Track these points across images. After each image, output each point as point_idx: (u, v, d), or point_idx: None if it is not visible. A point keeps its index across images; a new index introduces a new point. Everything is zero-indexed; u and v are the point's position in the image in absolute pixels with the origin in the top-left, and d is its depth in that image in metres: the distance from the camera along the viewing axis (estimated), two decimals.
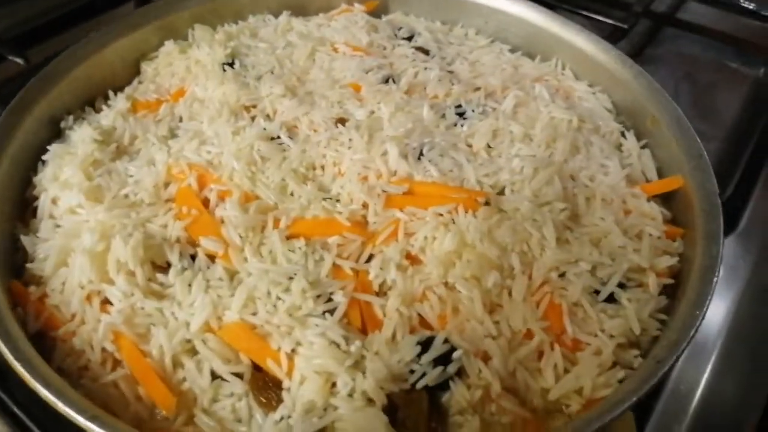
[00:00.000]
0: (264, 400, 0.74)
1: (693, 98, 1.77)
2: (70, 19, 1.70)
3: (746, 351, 1.21)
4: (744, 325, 1.25)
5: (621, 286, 0.84)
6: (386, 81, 1.11)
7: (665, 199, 0.98)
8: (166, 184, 0.95)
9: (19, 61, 1.44)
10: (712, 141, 1.66)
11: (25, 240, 0.89)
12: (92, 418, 0.64)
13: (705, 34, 1.91)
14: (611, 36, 1.58)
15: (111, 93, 1.12)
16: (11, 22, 1.64)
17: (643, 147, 1.04)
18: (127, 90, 1.13)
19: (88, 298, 0.81)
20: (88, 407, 0.66)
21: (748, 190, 1.47)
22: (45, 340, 0.81)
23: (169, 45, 1.19)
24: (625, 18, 1.63)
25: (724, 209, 1.46)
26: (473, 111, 1.06)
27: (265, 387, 0.75)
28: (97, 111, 1.09)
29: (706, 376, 1.15)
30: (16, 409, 0.94)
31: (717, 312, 1.26)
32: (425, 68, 1.15)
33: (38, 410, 1.00)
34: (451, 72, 1.16)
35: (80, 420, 0.64)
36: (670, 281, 0.86)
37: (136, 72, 1.19)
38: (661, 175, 1.01)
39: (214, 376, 0.77)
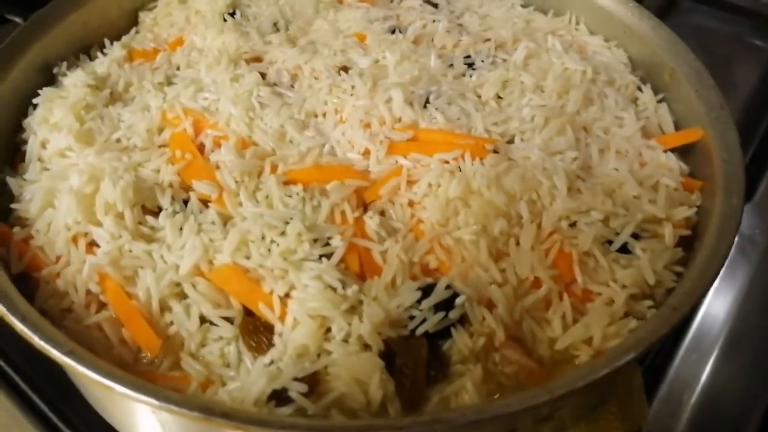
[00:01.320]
0: (254, 344, 0.70)
1: (710, 71, 1.73)
2: None
3: (759, 326, 1.17)
4: (757, 299, 1.21)
5: (635, 236, 0.79)
6: (392, 32, 1.07)
7: (684, 153, 0.93)
8: (160, 130, 0.91)
9: (19, 20, 1.42)
10: (730, 113, 1.62)
11: (11, 182, 0.85)
12: (69, 353, 0.61)
13: (721, 7, 1.87)
14: None
15: (107, 41, 1.08)
16: None
17: (660, 101, 0.99)
18: (124, 39, 1.10)
19: (74, 239, 0.78)
20: (64, 342, 0.62)
21: (764, 161, 1.42)
22: (29, 282, 0.77)
23: None
24: None
25: None
26: (483, 61, 1.01)
27: (256, 331, 0.71)
28: (92, 59, 1.06)
29: (714, 355, 1.11)
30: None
31: (731, 283, 1.22)
32: (433, 20, 1.10)
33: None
34: (460, 25, 1.12)
35: (56, 354, 0.61)
36: (687, 232, 0.81)
37: (134, 22, 1.15)
38: (678, 130, 0.96)
39: (203, 321, 0.73)
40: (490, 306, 0.73)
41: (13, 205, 0.83)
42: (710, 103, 0.91)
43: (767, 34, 1.80)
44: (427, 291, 0.72)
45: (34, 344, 0.63)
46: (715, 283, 1.24)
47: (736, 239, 1.32)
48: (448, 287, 0.72)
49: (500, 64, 1.01)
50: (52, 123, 0.90)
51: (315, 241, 0.76)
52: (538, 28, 1.12)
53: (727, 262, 1.27)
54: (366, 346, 0.68)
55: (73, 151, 0.87)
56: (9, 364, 0.95)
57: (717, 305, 1.19)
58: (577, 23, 1.15)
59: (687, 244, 0.81)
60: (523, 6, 1.19)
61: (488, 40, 1.06)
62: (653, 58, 1.03)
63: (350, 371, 0.66)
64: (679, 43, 1.01)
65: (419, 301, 0.71)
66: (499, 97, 0.96)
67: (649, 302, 0.75)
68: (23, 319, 0.63)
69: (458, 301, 0.71)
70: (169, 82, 1.00)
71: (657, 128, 0.97)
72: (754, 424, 1.08)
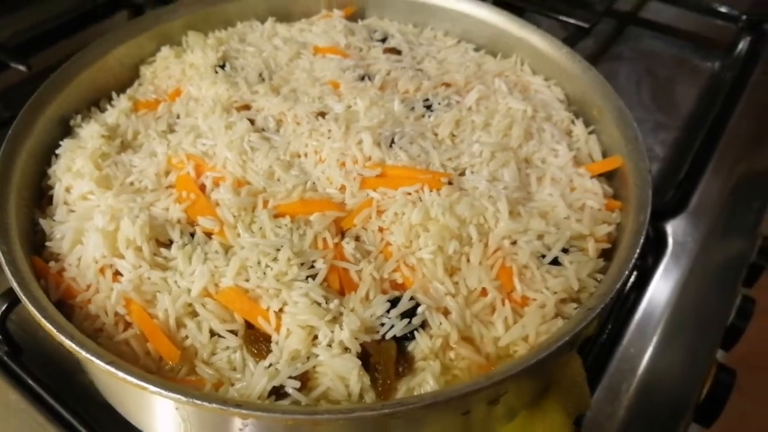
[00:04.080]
0: (256, 351, 0.86)
1: (654, 92, 1.91)
2: (70, 28, 1.83)
3: (692, 323, 1.31)
4: (690, 299, 1.35)
5: (564, 251, 0.96)
6: (362, 78, 1.24)
7: (608, 177, 1.10)
8: (167, 173, 1.07)
9: (22, 68, 1.57)
10: (671, 130, 1.79)
11: (43, 223, 1.00)
12: (110, 363, 0.76)
13: (666, 31, 2.06)
14: (576, 35, 1.72)
15: (114, 94, 1.24)
16: (13, 30, 1.76)
17: (590, 133, 1.17)
18: (129, 91, 1.25)
19: (102, 270, 0.93)
20: (105, 354, 0.78)
21: (698, 174, 1.59)
22: (64, 308, 0.92)
23: (165, 50, 1.31)
24: (588, 18, 1.77)
25: (677, 191, 1.59)
26: (439, 104, 1.18)
27: (257, 341, 0.87)
28: (102, 110, 1.22)
29: (651, 349, 1.25)
30: (30, 381, 1.07)
31: (666, 285, 1.38)
32: (397, 67, 1.28)
33: (51, 382, 1.12)
34: (420, 70, 1.29)
35: (101, 364, 0.76)
36: (608, 245, 0.99)
37: (136, 75, 1.31)
38: (605, 157, 1.14)
39: (213, 333, 0.88)
40: (446, 313, 0.89)
41: (47, 243, 0.98)
42: (628, 137, 1.08)
43: (708, 54, 1.99)
44: (394, 302, 0.88)
45: (80, 357, 0.78)
46: (652, 286, 1.42)
47: (671, 247, 1.50)
48: (411, 299, 0.89)
49: (454, 106, 1.18)
50: (74, 171, 1.05)
51: (302, 264, 0.92)
52: (488, 70, 1.30)
53: (662, 268, 1.45)
54: (346, 349, 0.85)
55: (95, 195, 1.02)
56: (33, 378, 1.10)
57: (653, 305, 1.36)
58: (522, 64, 1.33)
59: (608, 255, 0.99)
60: (476, 50, 1.37)
61: (445, 84, 1.24)
62: (584, 96, 1.21)
63: (334, 370, 0.83)
64: (605, 84, 1.19)
65: (388, 311, 0.88)
66: (453, 135, 1.14)
67: (574, 305, 0.92)
68: (71, 338, 0.79)
69: (420, 310, 0.88)
70: (171, 130, 1.16)
71: (587, 156, 1.14)
72: (689, 411, 1.24)
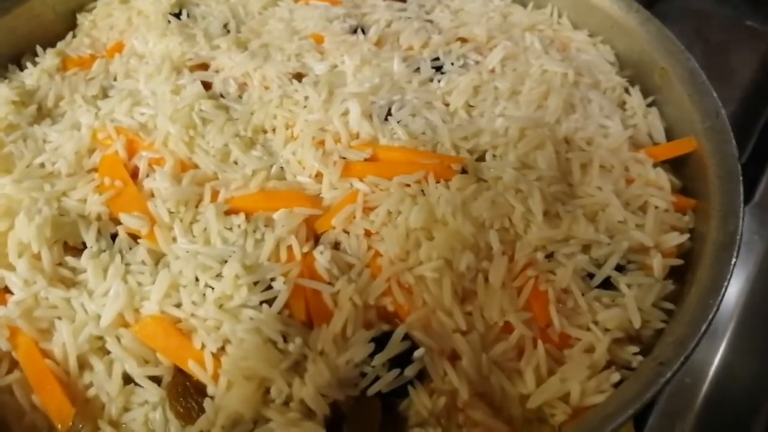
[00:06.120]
0: (182, 411, 0.61)
1: (705, 58, 1.61)
2: None
3: (762, 332, 1.08)
4: (759, 304, 1.12)
5: (620, 268, 0.71)
6: (354, 31, 0.97)
7: (675, 165, 0.84)
8: (90, 152, 0.82)
9: None
10: (727, 104, 1.50)
11: None
12: None
13: None
14: None
15: (40, 49, 0.98)
16: None
17: (650, 105, 0.90)
18: (59, 45, 1.00)
19: None
20: None
21: (765, 158, 1.33)
22: None
23: None
24: None
25: None
26: (452, 64, 0.91)
27: (185, 394, 0.62)
28: (23, 69, 0.96)
29: (716, 361, 1.03)
30: None
31: (730, 292, 1.12)
32: (400, 17, 1.00)
33: None
34: (429, 21, 1.02)
35: None
36: (679, 262, 0.72)
37: (72, 25, 1.05)
38: (670, 137, 0.87)
39: (127, 380, 0.64)
40: (454, 358, 0.64)
41: None
42: (705, 110, 0.82)
43: (767, 16, 1.71)
44: (381, 342, 0.63)
45: None
46: None
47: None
48: (405, 337, 0.63)
49: (472, 67, 0.91)
50: None
51: (255, 284, 0.67)
52: (516, 23, 1.02)
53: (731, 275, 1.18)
54: (309, 411, 0.60)
55: None
56: None
57: (717, 317, 1.11)
58: (560, 16, 1.05)
59: (679, 274, 0.72)
60: None
61: (460, 39, 0.96)
62: (642, 56, 0.93)
63: None
64: (670, 39, 0.91)
65: (372, 355, 0.62)
66: (470, 106, 0.87)
67: (634, 348, 0.66)
68: None
69: (416, 354, 0.62)
70: (105, 95, 0.91)
71: (646, 136, 0.87)
72: None
